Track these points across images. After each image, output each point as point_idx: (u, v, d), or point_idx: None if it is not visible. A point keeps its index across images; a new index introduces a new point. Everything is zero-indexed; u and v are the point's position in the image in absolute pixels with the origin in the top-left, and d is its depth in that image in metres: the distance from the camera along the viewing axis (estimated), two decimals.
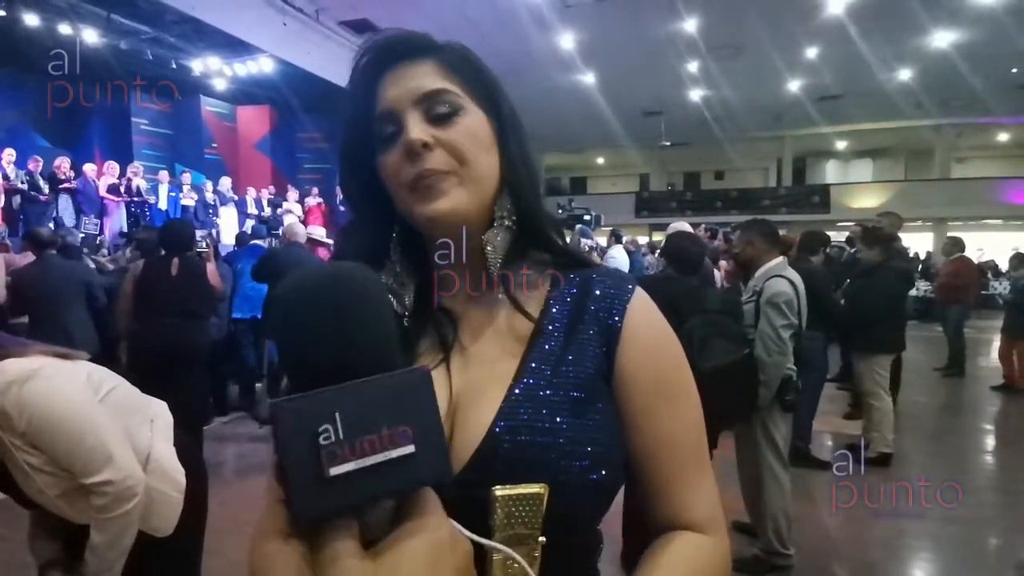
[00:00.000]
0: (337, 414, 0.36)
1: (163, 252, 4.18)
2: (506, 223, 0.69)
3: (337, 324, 0.39)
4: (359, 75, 0.69)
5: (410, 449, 0.37)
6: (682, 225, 4.78)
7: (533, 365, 0.65)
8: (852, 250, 6.00)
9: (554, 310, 0.69)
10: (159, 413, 1.54)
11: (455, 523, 0.43)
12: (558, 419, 0.62)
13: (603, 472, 0.63)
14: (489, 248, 0.68)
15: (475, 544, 0.50)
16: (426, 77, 0.67)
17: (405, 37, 0.69)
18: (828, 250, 5.28)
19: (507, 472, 0.59)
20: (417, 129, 0.64)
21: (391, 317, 0.43)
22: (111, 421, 1.36)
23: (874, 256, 4.69)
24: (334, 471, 0.35)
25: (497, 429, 0.61)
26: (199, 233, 5.20)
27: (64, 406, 1.29)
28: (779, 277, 2.99)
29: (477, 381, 0.66)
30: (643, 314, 0.70)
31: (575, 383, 0.65)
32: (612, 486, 0.65)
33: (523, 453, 0.60)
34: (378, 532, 0.39)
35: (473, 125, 0.67)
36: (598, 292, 0.70)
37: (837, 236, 8.47)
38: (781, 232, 3.60)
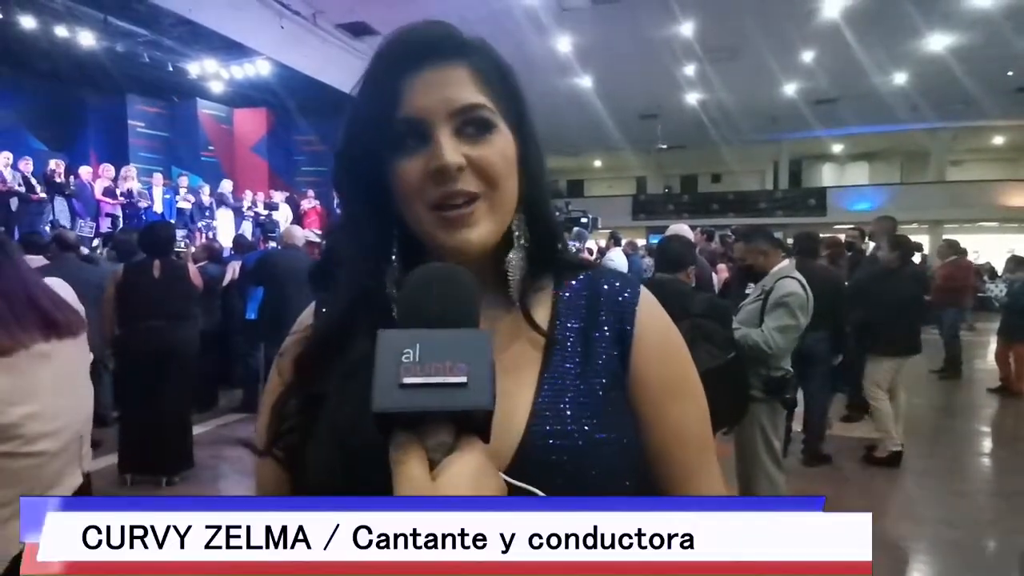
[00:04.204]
0: (418, 344, 0.48)
1: (144, 255, 4.18)
2: (523, 242, 0.68)
3: (446, 295, 0.52)
4: (383, 69, 0.64)
5: (463, 379, 0.47)
6: (680, 228, 4.78)
7: (555, 377, 0.65)
8: (849, 253, 6.02)
9: (569, 322, 0.68)
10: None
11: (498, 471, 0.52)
12: (584, 429, 0.62)
13: (627, 484, 0.63)
14: (511, 273, 0.66)
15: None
16: (461, 87, 0.62)
17: (439, 34, 0.64)
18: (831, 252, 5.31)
19: (537, 486, 0.57)
20: (451, 150, 0.60)
21: (479, 302, 0.54)
22: None
23: (892, 260, 4.72)
24: (407, 380, 0.47)
25: (528, 444, 0.60)
26: (179, 234, 5.22)
27: None
28: (789, 278, 3.10)
29: (497, 394, 0.64)
30: (651, 316, 0.70)
31: (596, 393, 0.64)
32: (636, 493, 0.65)
33: (553, 467, 0.60)
34: (437, 459, 0.49)
35: (504, 145, 0.64)
36: (607, 298, 0.70)
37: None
38: (776, 235, 3.68)
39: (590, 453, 0.61)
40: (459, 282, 0.53)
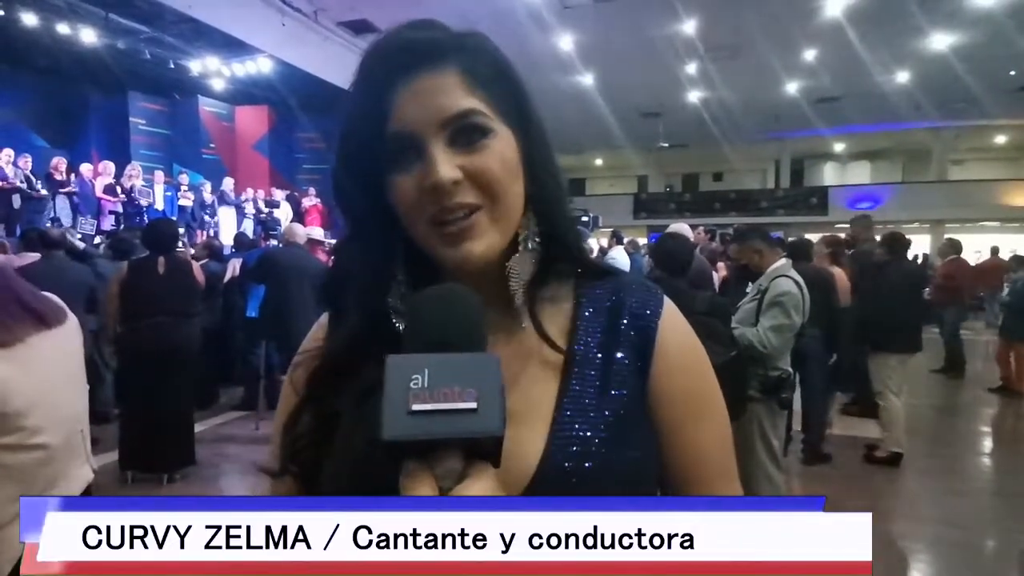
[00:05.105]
0: (426, 370, 0.48)
1: (148, 252, 4.18)
2: (530, 245, 0.64)
3: (450, 319, 0.52)
4: (368, 81, 0.60)
5: (473, 405, 0.47)
6: (681, 227, 4.78)
7: (574, 398, 0.62)
8: (850, 251, 6.01)
9: (589, 338, 0.65)
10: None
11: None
12: (604, 450, 0.60)
13: None
14: (513, 276, 0.63)
15: None
16: (451, 95, 0.58)
17: (424, 39, 0.60)
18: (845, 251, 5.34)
19: None
20: (445, 165, 0.57)
21: (484, 325, 0.53)
22: None
23: (882, 255, 4.73)
24: (416, 407, 0.46)
25: (547, 466, 0.59)
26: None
27: None
28: (785, 277, 3.11)
29: (514, 413, 0.58)
30: (674, 330, 0.67)
31: (616, 411, 0.62)
32: None
33: (571, 493, 0.58)
34: (447, 487, 0.49)
35: (503, 149, 0.60)
36: (628, 310, 0.66)
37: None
38: (778, 234, 3.69)
39: (609, 477, 0.59)
40: (463, 304, 0.53)
